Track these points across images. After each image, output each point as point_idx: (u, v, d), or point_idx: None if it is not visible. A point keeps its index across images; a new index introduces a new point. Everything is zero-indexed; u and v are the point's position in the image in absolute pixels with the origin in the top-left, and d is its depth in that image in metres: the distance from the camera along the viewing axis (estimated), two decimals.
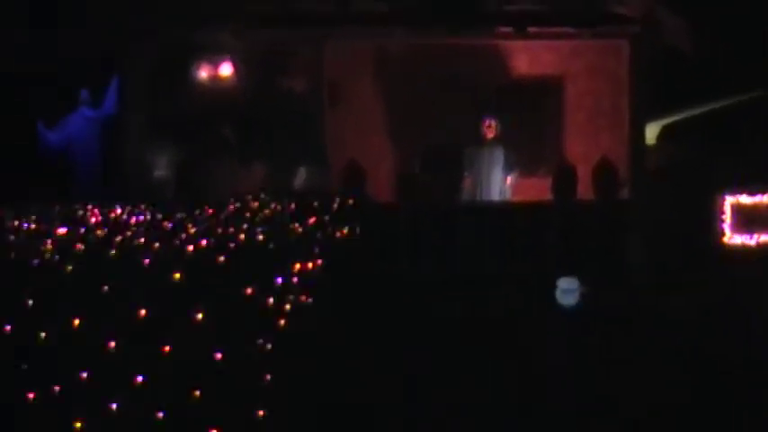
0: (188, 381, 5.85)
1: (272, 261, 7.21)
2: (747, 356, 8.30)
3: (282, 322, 6.49)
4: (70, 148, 12.02)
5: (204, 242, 7.45)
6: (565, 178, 11.63)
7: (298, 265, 7.16)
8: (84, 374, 5.78)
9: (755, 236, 11.47)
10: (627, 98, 12.43)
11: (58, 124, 12.07)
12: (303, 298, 6.90)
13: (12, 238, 7.82)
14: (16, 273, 6.74)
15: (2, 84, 11.79)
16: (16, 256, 7.07)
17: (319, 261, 7.42)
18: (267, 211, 9.06)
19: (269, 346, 6.22)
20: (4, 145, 11.82)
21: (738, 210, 11.49)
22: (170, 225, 8.25)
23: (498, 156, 11.98)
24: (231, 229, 7.98)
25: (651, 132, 14.51)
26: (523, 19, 12.09)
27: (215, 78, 12.24)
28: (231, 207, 9.30)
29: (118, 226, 8.31)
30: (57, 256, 7.06)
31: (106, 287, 6.38)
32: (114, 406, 5.66)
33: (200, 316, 6.15)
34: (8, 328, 6.03)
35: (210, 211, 9.03)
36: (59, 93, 11.94)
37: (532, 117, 13.01)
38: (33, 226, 8.28)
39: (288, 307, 6.65)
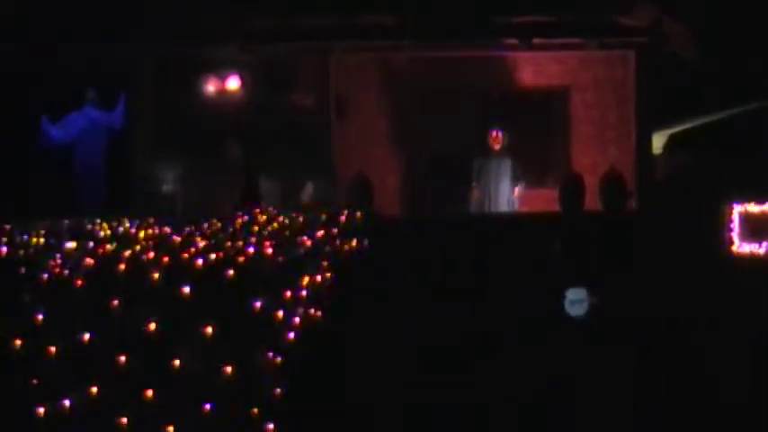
0: (197, 394, 5.86)
1: (281, 274, 7.21)
2: (755, 365, 8.29)
3: (292, 335, 6.49)
4: (73, 147, 12.00)
5: (213, 256, 7.46)
6: (572, 189, 11.62)
7: (306, 279, 7.16)
8: (94, 389, 5.79)
9: (764, 244, 11.45)
10: (633, 108, 12.44)
11: (61, 121, 12.03)
12: (312, 311, 6.90)
13: (21, 252, 7.83)
14: (26, 287, 6.76)
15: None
16: (26, 270, 7.08)
17: (328, 274, 7.42)
18: (275, 225, 9.06)
19: (278, 359, 6.22)
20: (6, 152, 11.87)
21: (746, 218, 11.48)
22: (179, 239, 8.25)
23: (506, 167, 11.99)
24: (240, 243, 7.98)
25: (658, 142, 14.53)
26: (530, 30, 12.11)
27: (222, 93, 12.27)
28: (239, 221, 9.30)
29: (127, 240, 8.32)
30: (66, 271, 7.07)
31: (116, 301, 6.38)
32: (124, 420, 5.67)
33: (209, 330, 6.15)
34: (18, 342, 6.05)
35: (219, 224, 9.03)
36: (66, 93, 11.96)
37: (539, 128, 13.02)
38: (42, 240, 8.29)
39: (297, 320, 6.65)
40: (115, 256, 7.48)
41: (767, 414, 7.59)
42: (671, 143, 15.20)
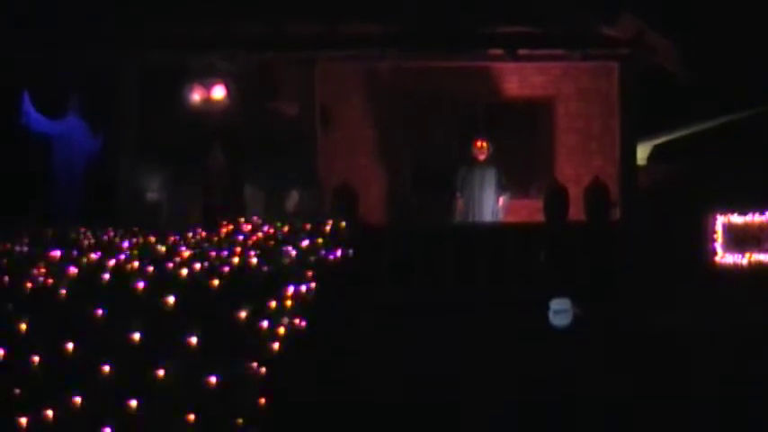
0: (182, 405, 5.83)
1: (266, 284, 7.20)
2: (738, 374, 8.33)
3: (276, 346, 6.47)
4: (51, 151, 11.95)
5: (198, 266, 7.43)
6: (556, 199, 11.65)
7: (291, 289, 7.14)
8: (78, 399, 5.76)
9: (747, 255, 11.51)
10: (617, 119, 12.48)
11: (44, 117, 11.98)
12: (297, 321, 6.89)
13: (4, 261, 7.79)
14: (9, 297, 6.72)
15: None
16: (9, 280, 7.04)
17: (313, 284, 7.40)
18: (260, 234, 9.05)
19: (263, 369, 6.20)
20: None
21: (730, 229, 11.54)
22: (163, 249, 8.23)
23: (490, 177, 12.02)
24: (225, 253, 7.97)
25: (643, 153, 14.58)
26: (515, 41, 12.14)
27: (207, 101, 12.25)
28: (224, 230, 9.29)
29: (111, 249, 8.29)
30: (50, 280, 7.03)
31: (100, 311, 6.35)
32: (108, 430, 5.63)
33: (193, 340, 6.12)
34: (1, 352, 6.01)
35: (203, 234, 9.02)
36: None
37: (524, 138, 13.06)
38: (26, 249, 8.25)
39: (282, 330, 6.63)
40: (99, 266, 7.44)
41: (750, 421, 7.62)
42: (655, 154, 15.27)
